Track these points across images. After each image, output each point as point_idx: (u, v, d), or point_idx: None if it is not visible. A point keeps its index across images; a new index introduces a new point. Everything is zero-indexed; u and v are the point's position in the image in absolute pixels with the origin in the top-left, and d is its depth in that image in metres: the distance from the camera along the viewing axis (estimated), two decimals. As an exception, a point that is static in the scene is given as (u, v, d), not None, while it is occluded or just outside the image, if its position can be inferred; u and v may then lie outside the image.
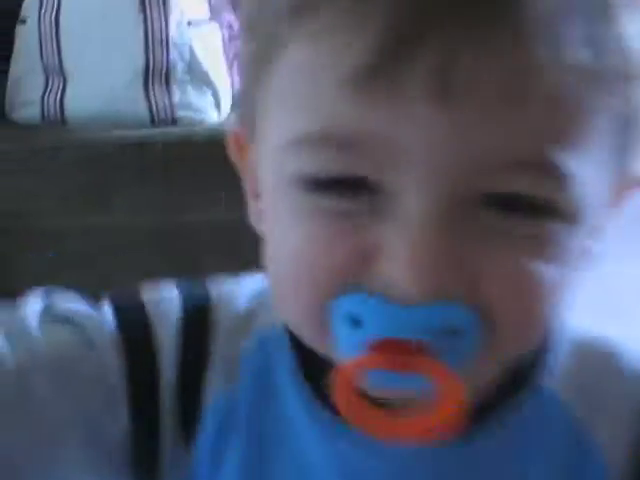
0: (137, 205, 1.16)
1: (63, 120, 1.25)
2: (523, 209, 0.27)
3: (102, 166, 1.16)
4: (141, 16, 1.21)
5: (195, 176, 1.16)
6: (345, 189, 0.28)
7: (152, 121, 1.22)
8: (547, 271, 0.28)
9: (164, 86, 1.21)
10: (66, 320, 0.38)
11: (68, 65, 1.22)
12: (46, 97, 1.24)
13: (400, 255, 0.27)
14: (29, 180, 1.16)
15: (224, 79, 1.29)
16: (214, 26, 1.31)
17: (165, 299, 0.39)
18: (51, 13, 1.21)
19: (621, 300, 1.81)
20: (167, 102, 1.21)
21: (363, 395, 0.29)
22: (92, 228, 1.16)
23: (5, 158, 1.16)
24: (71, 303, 0.39)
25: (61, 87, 1.23)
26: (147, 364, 0.37)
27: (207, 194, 1.14)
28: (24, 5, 1.27)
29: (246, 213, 0.37)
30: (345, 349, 0.29)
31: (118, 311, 0.38)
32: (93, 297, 0.41)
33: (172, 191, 1.17)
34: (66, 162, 1.16)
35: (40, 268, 1.13)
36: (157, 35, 1.21)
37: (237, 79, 1.29)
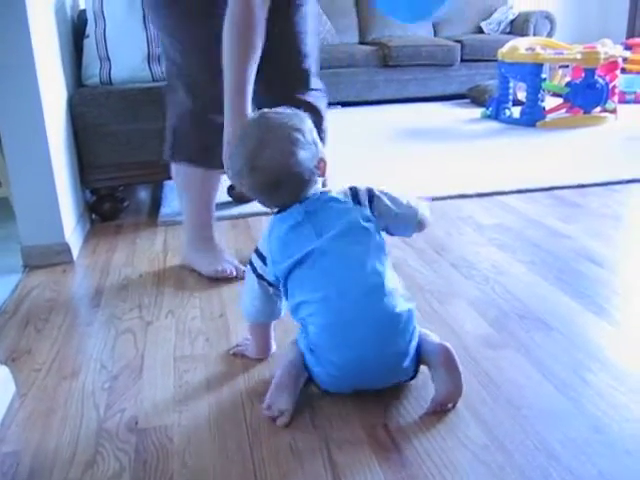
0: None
1: (110, 82, 2.48)
2: None
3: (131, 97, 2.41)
4: (144, 33, 2.46)
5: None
6: None
7: (153, 80, 2.47)
8: None
9: (157, 63, 2.46)
10: None
11: (111, 55, 2.45)
12: (102, 72, 2.48)
13: None
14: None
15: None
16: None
17: None
18: (102, 31, 2.46)
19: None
20: (159, 70, 2.46)
21: None
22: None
23: (91, 97, 2.40)
24: None
25: (108, 67, 2.47)
26: None
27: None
28: (87, 27, 2.50)
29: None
30: None
31: None
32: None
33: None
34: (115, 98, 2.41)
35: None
36: (152, 41, 2.46)
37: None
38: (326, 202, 1.22)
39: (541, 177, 2.81)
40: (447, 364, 1.18)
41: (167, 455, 1.10)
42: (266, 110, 1.25)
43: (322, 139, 1.89)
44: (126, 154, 2.39)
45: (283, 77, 1.73)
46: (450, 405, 1.19)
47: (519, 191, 2.64)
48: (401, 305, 1.18)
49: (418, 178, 2.83)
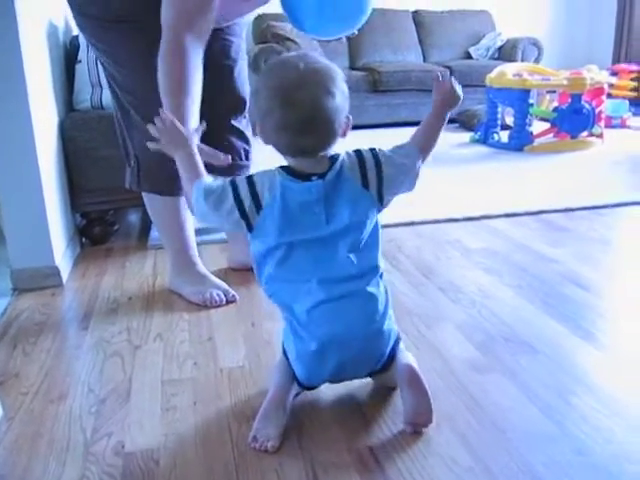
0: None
1: (101, 107, 2.50)
2: None
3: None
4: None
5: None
6: None
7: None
8: None
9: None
10: None
11: (103, 81, 2.47)
12: (93, 97, 2.51)
13: None
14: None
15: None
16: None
17: None
18: (94, 57, 2.48)
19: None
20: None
21: None
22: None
23: (82, 121, 2.42)
24: None
25: (100, 92, 2.50)
26: None
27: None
28: (80, 53, 2.52)
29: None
30: None
31: None
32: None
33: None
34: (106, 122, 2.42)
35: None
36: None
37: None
38: (342, 183, 1.20)
39: (529, 201, 2.83)
40: (410, 383, 1.20)
41: (153, 478, 1.10)
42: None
43: (247, 165, 1.95)
44: (117, 178, 2.37)
45: (222, 103, 1.69)
46: (424, 425, 1.19)
47: (507, 215, 2.67)
48: (380, 287, 1.23)
49: (407, 202, 2.85)
